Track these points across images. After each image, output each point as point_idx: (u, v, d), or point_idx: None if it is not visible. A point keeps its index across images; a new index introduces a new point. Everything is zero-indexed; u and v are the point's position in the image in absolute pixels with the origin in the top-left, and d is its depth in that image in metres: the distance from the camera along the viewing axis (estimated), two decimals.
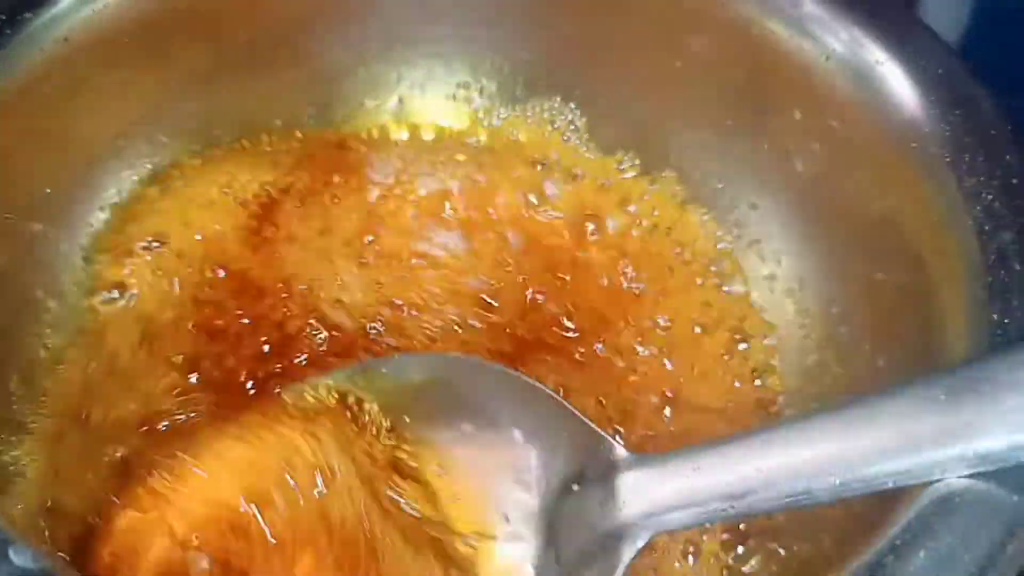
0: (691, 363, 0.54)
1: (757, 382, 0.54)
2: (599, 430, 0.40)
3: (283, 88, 0.61)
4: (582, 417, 0.41)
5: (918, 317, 0.46)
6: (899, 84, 0.49)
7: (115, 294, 0.55)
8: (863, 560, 0.35)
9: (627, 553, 0.37)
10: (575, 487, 0.40)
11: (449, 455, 0.43)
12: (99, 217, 0.57)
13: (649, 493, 0.37)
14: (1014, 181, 0.45)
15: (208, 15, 0.57)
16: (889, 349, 0.49)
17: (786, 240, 0.57)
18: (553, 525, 0.40)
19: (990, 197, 0.44)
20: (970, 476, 0.35)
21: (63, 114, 0.53)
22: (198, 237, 0.57)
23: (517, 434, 0.42)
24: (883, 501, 0.36)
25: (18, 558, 0.32)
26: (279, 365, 0.52)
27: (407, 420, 0.43)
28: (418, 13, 0.61)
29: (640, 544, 0.37)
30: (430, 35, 0.61)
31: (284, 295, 0.55)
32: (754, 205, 0.58)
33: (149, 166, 0.58)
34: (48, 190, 0.53)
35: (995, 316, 0.41)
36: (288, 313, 0.54)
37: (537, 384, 0.42)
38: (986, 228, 0.43)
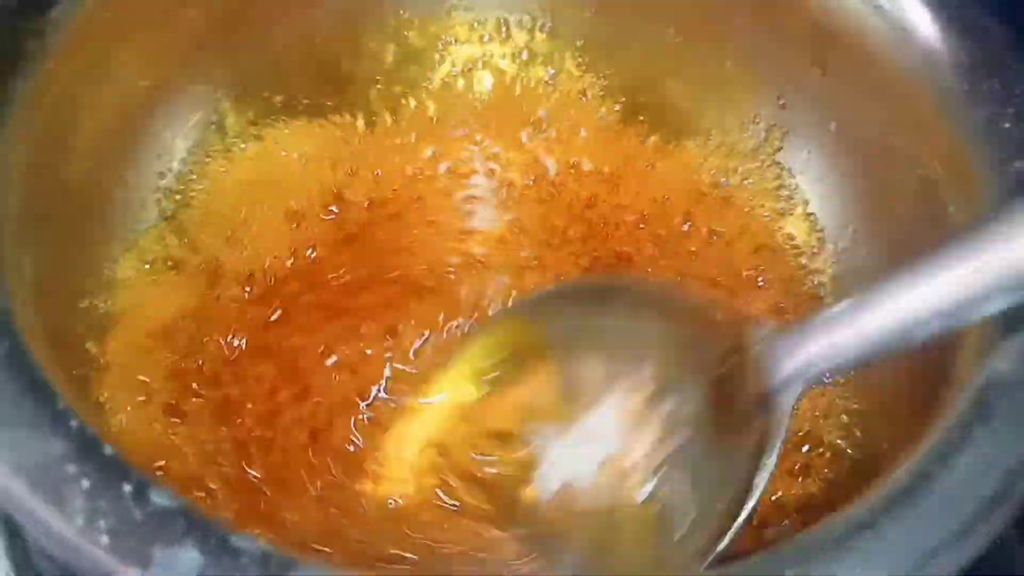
0: None
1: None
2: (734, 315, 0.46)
3: None
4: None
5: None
6: (918, 16, 0.51)
7: None
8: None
9: (787, 402, 0.41)
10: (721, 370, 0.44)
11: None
12: None
13: (794, 357, 0.41)
14: None
15: None
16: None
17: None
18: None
19: (1006, 125, 0.47)
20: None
21: None
22: None
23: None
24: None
25: (159, 498, 0.35)
26: None
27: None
28: None
29: (796, 393, 0.41)
30: None
31: None
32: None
33: None
34: None
35: None
36: None
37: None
38: (1002, 156, 0.47)
